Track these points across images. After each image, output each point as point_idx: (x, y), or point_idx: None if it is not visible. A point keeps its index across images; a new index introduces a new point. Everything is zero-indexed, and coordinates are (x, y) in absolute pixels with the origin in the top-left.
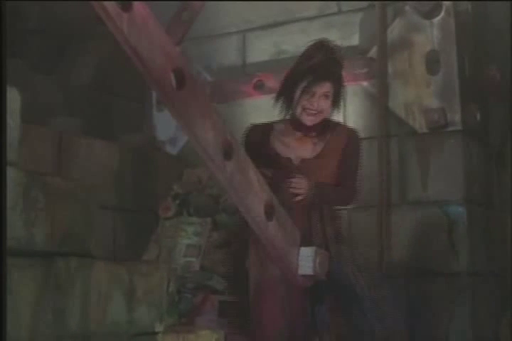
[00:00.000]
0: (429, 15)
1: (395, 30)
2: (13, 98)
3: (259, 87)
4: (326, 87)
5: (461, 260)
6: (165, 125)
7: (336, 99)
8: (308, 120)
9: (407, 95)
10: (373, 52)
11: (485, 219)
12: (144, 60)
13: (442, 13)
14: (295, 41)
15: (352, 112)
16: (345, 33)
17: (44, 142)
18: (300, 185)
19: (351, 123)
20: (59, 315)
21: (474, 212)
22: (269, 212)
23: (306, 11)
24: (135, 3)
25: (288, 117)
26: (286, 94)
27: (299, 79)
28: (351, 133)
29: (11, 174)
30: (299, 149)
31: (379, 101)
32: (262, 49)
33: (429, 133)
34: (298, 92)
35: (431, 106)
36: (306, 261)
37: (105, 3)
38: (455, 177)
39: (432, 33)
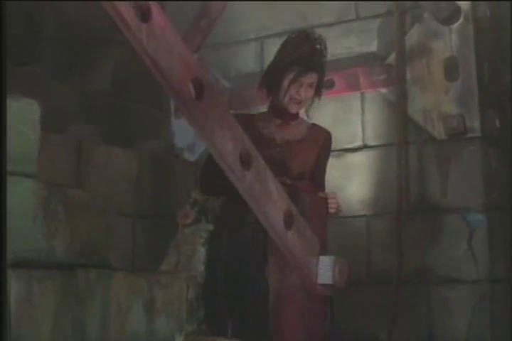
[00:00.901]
0: (448, 21)
1: (414, 36)
2: (32, 109)
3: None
4: (312, 78)
5: (481, 267)
6: (183, 132)
7: (319, 89)
8: (294, 108)
9: (425, 102)
10: (392, 58)
11: (505, 226)
12: (163, 70)
13: (461, 19)
14: None
15: (370, 119)
16: (363, 40)
17: (63, 150)
18: (335, 202)
19: (370, 130)
20: (79, 326)
21: (494, 219)
22: (289, 221)
23: (324, 17)
24: (154, 13)
25: (269, 104)
26: (271, 82)
27: (286, 70)
28: (328, 134)
29: (31, 186)
30: (281, 132)
31: (397, 107)
32: None
33: (448, 140)
34: (286, 82)
35: (450, 113)
36: (326, 270)
37: (124, 13)
38: (474, 183)
39: (450, 39)
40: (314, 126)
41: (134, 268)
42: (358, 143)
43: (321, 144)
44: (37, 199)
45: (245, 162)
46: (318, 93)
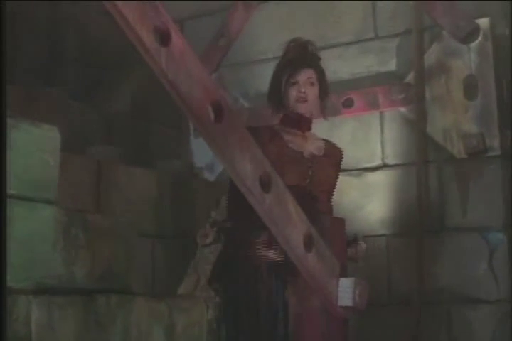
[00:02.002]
0: (467, 39)
1: (433, 55)
2: (53, 136)
3: (325, 140)
4: (308, 73)
5: (502, 287)
6: (202, 151)
7: (322, 86)
8: (301, 107)
9: (445, 120)
10: (411, 77)
11: None
12: (182, 93)
13: (480, 38)
14: (332, 67)
15: (390, 138)
16: (382, 59)
17: (83, 171)
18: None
19: (389, 149)
20: None
21: None
22: (308, 244)
23: (343, 36)
24: (174, 37)
25: (282, 115)
26: (274, 93)
27: (281, 74)
28: (341, 151)
29: (51, 213)
30: (306, 145)
31: (417, 126)
32: None
33: (468, 159)
34: (283, 84)
35: (469, 132)
36: (346, 292)
37: (144, 37)
38: (495, 203)
39: (469, 58)
40: (327, 142)
41: (154, 289)
42: (378, 162)
43: (338, 161)
44: (57, 225)
45: (265, 184)
46: (322, 90)
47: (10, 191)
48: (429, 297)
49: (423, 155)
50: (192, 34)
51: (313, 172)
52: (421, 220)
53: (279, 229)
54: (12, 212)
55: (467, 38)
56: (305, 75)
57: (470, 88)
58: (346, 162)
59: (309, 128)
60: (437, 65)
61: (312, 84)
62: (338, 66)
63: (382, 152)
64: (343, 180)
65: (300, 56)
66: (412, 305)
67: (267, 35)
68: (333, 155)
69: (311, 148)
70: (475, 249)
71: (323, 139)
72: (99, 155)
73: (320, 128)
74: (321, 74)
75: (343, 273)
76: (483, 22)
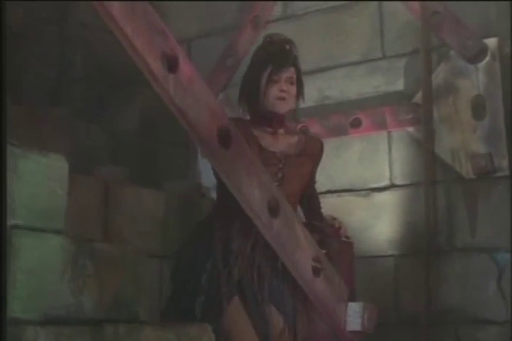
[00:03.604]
0: (474, 59)
1: (440, 75)
2: (60, 165)
3: (304, 133)
4: (290, 72)
5: (511, 308)
6: (210, 171)
7: (300, 86)
8: (281, 107)
9: (453, 141)
10: (418, 97)
11: None
12: (190, 119)
13: (487, 58)
14: (339, 87)
15: (398, 158)
16: (389, 78)
17: (90, 191)
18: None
19: (397, 169)
20: None
21: None
22: (317, 268)
23: (350, 56)
24: (181, 63)
25: (253, 113)
26: (249, 89)
27: (261, 69)
28: (320, 144)
29: (59, 242)
30: (279, 145)
31: (425, 146)
32: (306, 95)
33: (477, 179)
34: (263, 82)
35: (478, 152)
36: (354, 316)
37: (152, 64)
38: (503, 223)
39: (477, 78)
40: (305, 136)
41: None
42: (385, 182)
43: (316, 157)
44: (65, 255)
45: (273, 209)
46: (299, 91)
47: (17, 221)
48: (437, 317)
49: (431, 175)
50: (199, 53)
51: (284, 174)
52: (429, 240)
53: (288, 254)
54: (19, 242)
55: (475, 57)
56: (286, 74)
57: (478, 108)
58: (354, 182)
59: (282, 126)
60: (445, 85)
61: (292, 83)
62: (346, 86)
63: (390, 172)
64: (350, 200)
65: (281, 53)
66: (420, 325)
67: None
68: (309, 150)
69: (284, 146)
70: (483, 269)
71: (302, 132)
72: (106, 176)
73: (327, 148)
74: (298, 73)
75: (352, 298)
76: (491, 42)
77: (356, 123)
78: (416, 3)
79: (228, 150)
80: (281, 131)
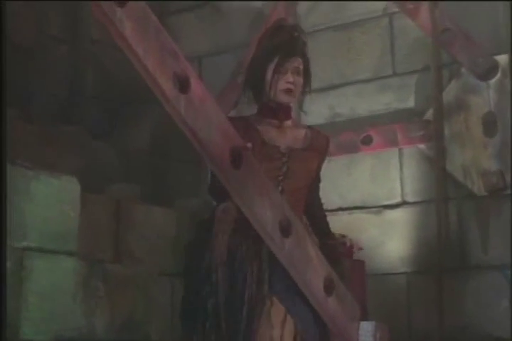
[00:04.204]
0: (485, 76)
1: (451, 92)
2: (73, 187)
3: (311, 127)
4: (297, 62)
5: None
6: None
7: (307, 76)
8: (285, 98)
9: (464, 158)
10: (429, 114)
11: None
12: (201, 140)
13: (498, 75)
14: (350, 104)
15: (409, 175)
16: (400, 96)
17: (102, 210)
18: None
19: (408, 186)
20: None
21: None
22: (329, 287)
23: (361, 73)
24: (193, 83)
25: (259, 104)
26: (255, 79)
27: (267, 60)
28: (327, 139)
29: (71, 265)
30: (283, 139)
31: (436, 163)
32: (317, 112)
33: (488, 196)
34: (270, 72)
35: (489, 169)
36: (366, 336)
37: (163, 85)
38: None
39: (488, 95)
40: (312, 131)
41: (174, 329)
42: (397, 199)
43: (322, 151)
44: (77, 277)
45: (285, 229)
46: (306, 81)
47: (29, 243)
48: (449, 335)
49: (443, 192)
50: (210, 71)
51: (289, 168)
52: (441, 258)
53: (300, 274)
54: (31, 265)
55: (486, 74)
56: (293, 64)
57: (489, 125)
58: (365, 199)
59: (288, 117)
60: (456, 102)
61: (298, 73)
62: (357, 103)
63: (401, 189)
64: (362, 217)
65: (289, 42)
66: None
67: None
68: (316, 145)
69: (289, 140)
70: (495, 286)
71: (308, 127)
72: (118, 194)
73: (339, 166)
74: (306, 63)
75: (364, 316)
76: (502, 58)
77: (367, 141)
78: (426, 20)
79: (240, 170)
80: (288, 123)
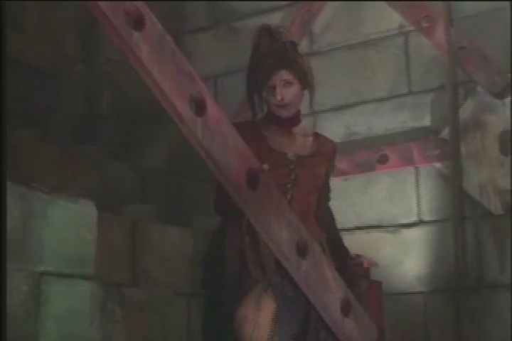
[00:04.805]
0: (501, 94)
1: (467, 110)
2: (90, 211)
3: (317, 134)
4: (282, 75)
5: None
6: None
7: (303, 82)
8: (282, 112)
9: (481, 176)
10: (445, 133)
11: None
12: (218, 162)
13: None
14: (366, 123)
15: (425, 194)
16: (416, 114)
17: (118, 230)
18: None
19: (425, 205)
20: None
21: None
22: (346, 309)
23: (377, 92)
24: (209, 105)
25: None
26: (251, 99)
27: (253, 79)
28: (334, 146)
29: (88, 288)
30: (292, 145)
31: (453, 182)
32: (333, 131)
33: (505, 215)
34: (259, 90)
35: (505, 187)
36: None
37: (179, 107)
38: None
39: (504, 113)
40: (319, 138)
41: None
42: (414, 218)
43: (329, 157)
44: (94, 300)
45: (301, 250)
46: (304, 86)
47: (46, 267)
48: None
49: (459, 211)
50: (225, 90)
51: (297, 175)
52: (458, 277)
53: (316, 295)
54: (49, 289)
55: (502, 92)
56: (279, 79)
57: (505, 143)
58: (382, 218)
59: (295, 125)
60: (472, 120)
61: (290, 84)
62: (373, 122)
63: (418, 208)
64: (378, 236)
65: (271, 54)
66: None
67: None
68: (323, 152)
69: (297, 147)
70: None
71: (314, 133)
72: (134, 214)
73: (355, 185)
74: (298, 68)
75: (381, 336)
76: None
77: (383, 159)
78: (442, 38)
79: (256, 191)
80: (295, 129)
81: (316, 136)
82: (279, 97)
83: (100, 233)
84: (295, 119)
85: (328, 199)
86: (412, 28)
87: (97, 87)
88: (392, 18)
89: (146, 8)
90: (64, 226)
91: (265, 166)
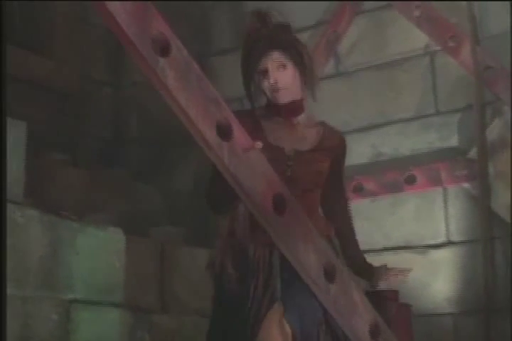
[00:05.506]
0: None
1: (495, 130)
2: (118, 238)
3: (359, 190)
4: (273, 56)
5: None
6: None
7: (299, 62)
8: (279, 98)
9: (509, 196)
10: (473, 153)
11: None
12: (245, 187)
13: None
14: (393, 143)
15: (454, 214)
16: (443, 134)
17: (146, 253)
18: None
19: (453, 225)
20: None
21: None
22: (375, 333)
23: (403, 112)
24: (235, 131)
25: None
26: (247, 86)
27: (246, 64)
28: (342, 137)
29: (117, 316)
30: (291, 139)
31: (481, 202)
32: (359, 151)
33: None
34: (252, 76)
35: None
36: None
37: (206, 133)
38: None
39: None
40: (325, 130)
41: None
42: (442, 239)
43: (335, 151)
44: (123, 328)
45: (329, 274)
46: (301, 71)
47: (76, 295)
48: None
49: (488, 231)
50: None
51: (293, 171)
52: (488, 298)
53: (345, 319)
54: (78, 317)
55: None
56: (272, 60)
57: None
58: (410, 239)
59: (296, 114)
60: (500, 140)
61: (284, 67)
62: (400, 142)
63: (446, 229)
64: (406, 257)
65: (261, 36)
66: None
67: (326, 112)
68: (328, 146)
69: (297, 140)
70: None
71: (321, 124)
72: (162, 236)
73: (383, 205)
74: (292, 49)
75: None
76: None
77: (411, 180)
78: (468, 58)
79: (283, 217)
80: (299, 120)
81: (323, 127)
82: (271, 80)
83: (128, 258)
84: (296, 109)
85: (340, 196)
86: (438, 48)
87: (124, 111)
88: (418, 38)
89: (172, 33)
90: (93, 254)
91: (258, 144)
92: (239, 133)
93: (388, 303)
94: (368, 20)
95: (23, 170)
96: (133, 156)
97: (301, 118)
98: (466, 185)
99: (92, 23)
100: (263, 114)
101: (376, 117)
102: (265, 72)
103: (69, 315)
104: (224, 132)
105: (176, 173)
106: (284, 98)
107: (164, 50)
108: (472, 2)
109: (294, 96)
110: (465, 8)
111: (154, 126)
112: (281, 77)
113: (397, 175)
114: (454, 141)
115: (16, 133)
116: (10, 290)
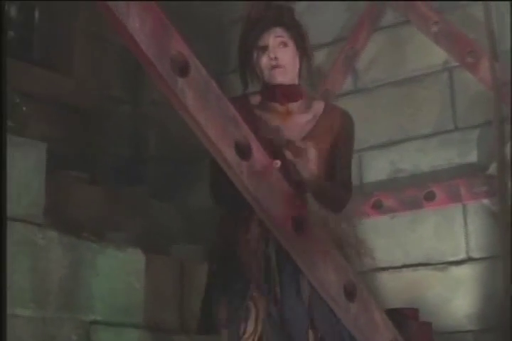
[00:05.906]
0: None
1: None
2: (138, 259)
3: (378, 207)
4: (277, 32)
5: None
6: None
7: (300, 45)
8: (277, 76)
9: None
10: (493, 169)
11: None
12: (264, 207)
13: None
14: (412, 160)
15: (474, 231)
16: (462, 150)
17: (166, 271)
18: None
19: (473, 242)
20: None
21: None
22: None
23: (422, 129)
24: (254, 150)
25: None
26: (243, 63)
27: (246, 39)
28: (345, 114)
29: (137, 336)
30: (284, 129)
31: (501, 219)
32: (378, 168)
33: None
34: (251, 51)
35: None
36: None
37: (225, 152)
38: None
39: None
40: (327, 108)
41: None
42: (462, 255)
43: (336, 126)
44: None
45: (350, 293)
46: (301, 51)
47: (96, 317)
48: None
49: (508, 247)
50: None
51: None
52: (509, 315)
53: (366, 338)
54: (98, 338)
55: None
56: (274, 36)
57: None
58: (430, 256)
59: (293, 100)
60: None
61: (285, 44)
62: (419, 159)
63: (466, 245)
64: (427, 274)
65: (265, 13)
66: None
67: None
68: (323, 129)
69: (289, 130)
70: None
71: (325, 106)
72: (182, 254)
73: (402, 222)
74: (294, 30)
75: None
76: None
77: (430, 196)
78: (487, 73)
79: (302, 236)
80: (294, 105)
81: (325, 109)
82: (272, 55)
83: (148, 278)
84: (292, 94)
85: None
86: (456, 64)
87: (143, 128)
88: (437, 54)
89: (190, 53)
90: (112, 275)
91: (277, 162)
92: (258, 152)
93: (409, 321)
94: (386, 36)
95: (43, 192)
96: (152, 174)
97: (298, 105)
98: (485, 201)
99: (110, 41)
100: (257, 101)
101: (395, 133)
102: (265, 49)
103: (89, 337)
104: (243, 151)
105: (195, 191)
106: (282, 77)
107: (183, 70)
108: (491, 18)
109: (291, 79)
110: (483, 24)
111: (173, 144)
112: (282, 54)
113: (417, 191)
114: (473, 157)
115: (37, 155)
116: (30, 311)
